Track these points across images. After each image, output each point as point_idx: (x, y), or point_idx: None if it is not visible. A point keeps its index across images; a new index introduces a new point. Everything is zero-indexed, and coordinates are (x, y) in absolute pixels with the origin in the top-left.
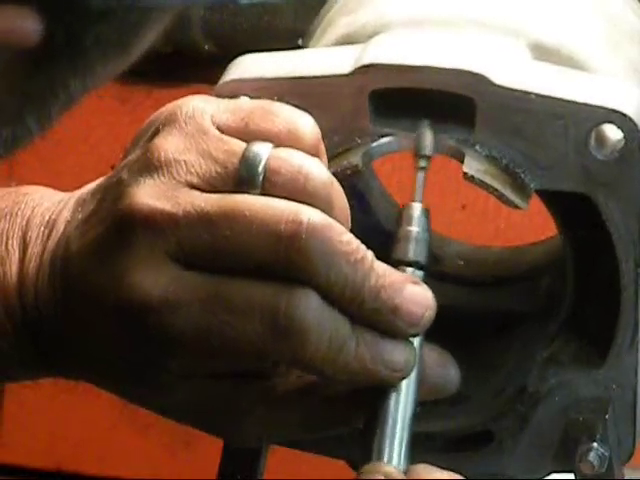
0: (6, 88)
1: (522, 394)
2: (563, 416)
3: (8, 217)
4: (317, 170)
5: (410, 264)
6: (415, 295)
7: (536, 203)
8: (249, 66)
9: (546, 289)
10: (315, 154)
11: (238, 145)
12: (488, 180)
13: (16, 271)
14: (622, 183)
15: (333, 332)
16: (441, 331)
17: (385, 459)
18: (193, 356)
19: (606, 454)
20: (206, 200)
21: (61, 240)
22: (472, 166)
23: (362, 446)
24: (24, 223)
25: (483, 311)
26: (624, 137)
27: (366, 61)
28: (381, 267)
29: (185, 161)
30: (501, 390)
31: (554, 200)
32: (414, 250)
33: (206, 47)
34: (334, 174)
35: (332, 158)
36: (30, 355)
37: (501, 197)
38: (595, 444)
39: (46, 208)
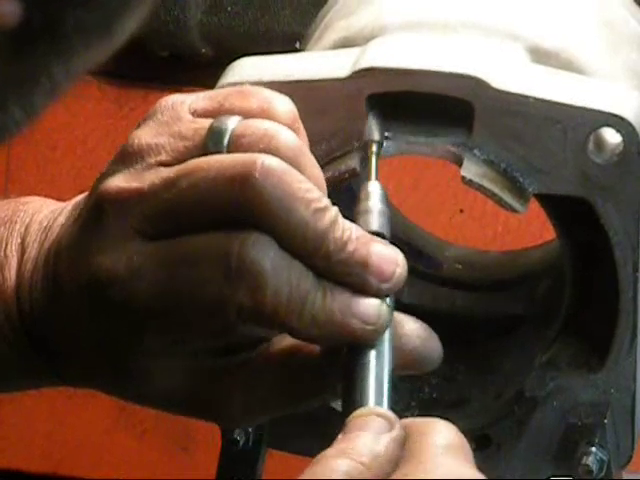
0: None
1: (520, 398)
2: (561, 420)
3: (8, 224)
4: (284, 133)
5: (375, 235)
6: (383, 251)
7: (534, 207)
8: (246, 69)
9: (544, 293)
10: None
11: (208, 121)
12: (486, 184)
13: (14, 275)
14: (621, 187)
15: (293, 281)
16: (439, 335)
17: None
18: (163, 324)
19: (605, 458)
20: (171, 169)
21: (54, 242)
22: (470, 170)
23: (344, 399)
24: (23, 229)
25: (481, 315)
26: (623, 141)
27: (364, 65)
28: (346, 222)
29: (156, 144)
30: (499, 394)
31: (552, 204)
32: (377, 222)
33: (203, 50)
34: (332, 178)
35: (330, 162)
36: (30, 360)
37: (499, 201)
38: (594, 448)
39: (44, 215)
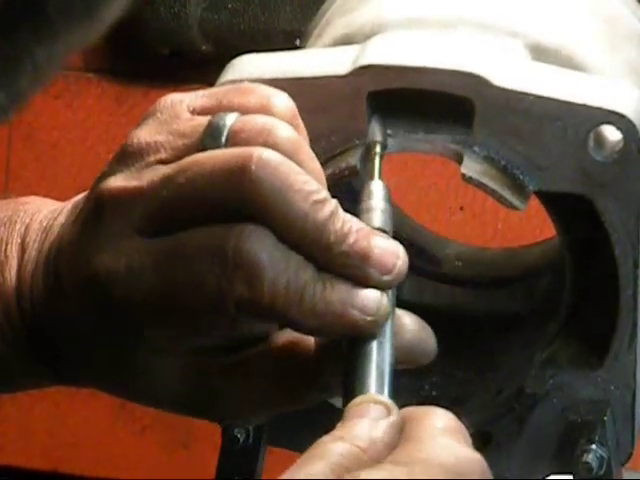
0: None
1: (520, 395)
2: (561, 418)
3: (7, 224)
4: (282, 128)
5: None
6: (385, 244)
7: (534, 204)
8: (246, 66)
9: (544, 290)
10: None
11: (206, 119)
12: (486, 181)
13: (15, 276)
14: (621, 184)
15: (291, 272)
16: (439, 332)
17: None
18: (163, 319)
19: (605, 456)
20: (169, 166)
21: (55, 241)
22: (470, 167)
23: (344, 390)
24: (23, 230)
25: (481, 312)
26: (623, 138)
27: (364, 62)
28: (347, 215)
29: (155, 142)
30: (499, 391)
31: (552, 201)
32: (379, 218)
33: (203, 47)
34: (332, 175)
35: (330, 159)
36: (30, 360)
37: (499, 198)
38: (594, 446)
39: (44, 215)
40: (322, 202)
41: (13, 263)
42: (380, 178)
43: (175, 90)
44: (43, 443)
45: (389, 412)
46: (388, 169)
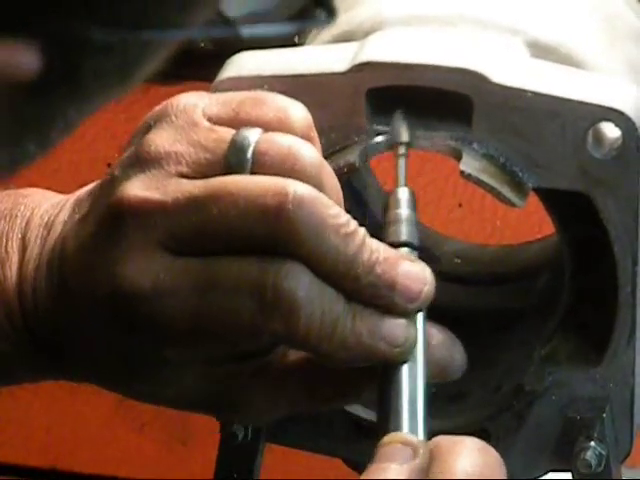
0: (2, 116)
1: (519, 392)
2: (560, 415)
3: (8, 218)
4: (306, 151)
5: (404, 245)
6: (411, 270)
7: (533, 201)
8: (246, 63)
9: (543, 287)
10: (306, 140)
11: (227, 132)
12: (485, 178)
13: (16, 272)
14: (620, 181)
15: (325, 307)
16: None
17: (404, 431)
18: (188, 341)
19: (603, 453)
20: (194, 185)
21: (58, 241)
22: (469, 164)
23: (378, 417)
24: (24, 224)
25: (480, 309)
26: (622, 135)
27: (363, 59)
28: (374, 243)
29: (175, 152)
30: (498, 388)
31: (551, 198)
32: (406, 231)
33: (202, 44)
34: None
35: (329, 156)
36: (32, 357)
37: (498, 195)
38: (592, 443)
39: (45, 210)
40: (352, 234)
41: (14, 259)
42: (405, 183)
43: (175, 87)
44: (42, 440)
45: (416, 454)
46: (387, 166)
